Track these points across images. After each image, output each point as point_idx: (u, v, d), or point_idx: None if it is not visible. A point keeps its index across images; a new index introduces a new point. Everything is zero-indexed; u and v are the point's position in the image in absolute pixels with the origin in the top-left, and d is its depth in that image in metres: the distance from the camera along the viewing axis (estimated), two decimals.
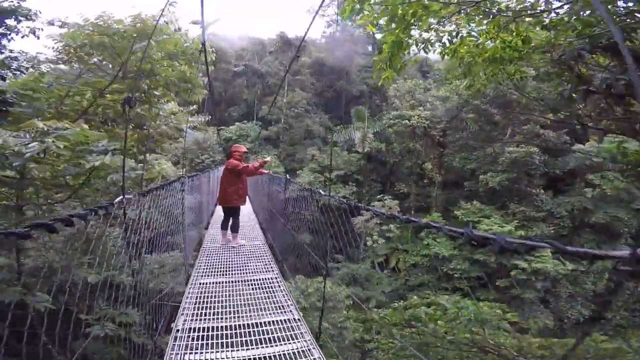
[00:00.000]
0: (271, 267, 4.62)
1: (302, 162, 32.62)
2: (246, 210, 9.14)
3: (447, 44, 4.33)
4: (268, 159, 6.51)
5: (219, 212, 6.62)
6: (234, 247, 5.76)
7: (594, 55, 7.41)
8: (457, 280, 16.91)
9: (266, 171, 6.84)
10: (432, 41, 4.08)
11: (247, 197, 6.58)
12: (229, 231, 5.93)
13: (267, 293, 3.72)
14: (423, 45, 4.03)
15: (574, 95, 7.77)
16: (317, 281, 10.25)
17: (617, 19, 5.82)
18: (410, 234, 23.05)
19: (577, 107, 7.37)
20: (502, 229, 17.73)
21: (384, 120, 25.32)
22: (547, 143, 20.28)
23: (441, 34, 4.15)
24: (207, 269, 4.64)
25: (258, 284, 3.96)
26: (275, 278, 4.19)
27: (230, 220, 5.88)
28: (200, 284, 4.13)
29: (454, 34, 4.25)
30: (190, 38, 6.11)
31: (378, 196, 23.80)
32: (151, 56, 5.67)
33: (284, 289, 3.84)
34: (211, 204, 9.24)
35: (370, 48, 37.18)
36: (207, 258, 5.13)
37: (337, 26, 36.36)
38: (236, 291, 3.77)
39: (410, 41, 3.80)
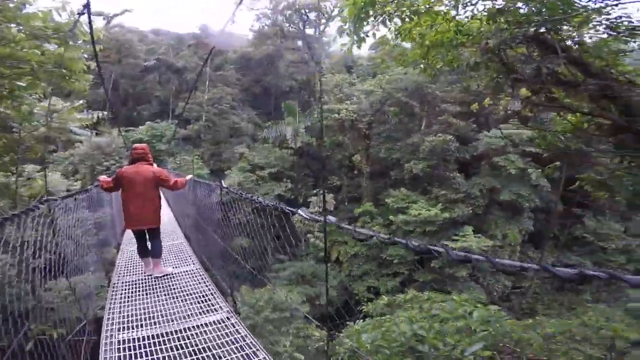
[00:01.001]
0: (217, 303, 3.55)
1: (230, 162, 30.81)
2: (169, 225, 7.69)
3: (406, 20, 3.86)
4: (189, 177, 5.52)
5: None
6: (157, 277, 4.49)
7: (520, 45, 7.73)
8: (397, 266, 17.51)
9: (189, 177, 5.67)
10: (392, 15, 3.56)
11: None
12: (149, 257, 4.61)
13: (224, 346, 2.72)
14: (382, 18, 3.48)
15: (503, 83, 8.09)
16: (267, 289, 9.26)
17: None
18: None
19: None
20: (429, 213, 18.85)
21: (315, 114, 25.01)
22: (459, 131, 22.31)
23: (402, 9, 3.66)
24: (125, 317, 3.39)
25: (207, 334, 2.90)
26: (228, 319, 3.16)
27: (149, 243, 4.56)
28: (119, 342, 2.94)
29: (412, 8, 3.79)
30: (69, 10, 4.52)
31: (313, 191, 23.47)
32: (8, 35, 4.02)
33: (246, 335, 2.85)
34: (118, 218, 7.51)
35: (299, 43, 36.41)
36: (123, 300, 3.82)
37: (267, 20, 34.70)
38: (175, 348, 2.70)
39: (372, 12, 3.20)
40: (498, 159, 20.45)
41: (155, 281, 4.35)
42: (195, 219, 6.61)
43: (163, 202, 5.04)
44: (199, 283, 4.23)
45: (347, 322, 5.54)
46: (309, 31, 33.90)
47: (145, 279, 4.43)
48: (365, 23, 3.28)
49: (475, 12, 4.62)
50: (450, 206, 19.86)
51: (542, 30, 7.09)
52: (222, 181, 5.59)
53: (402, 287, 16.49)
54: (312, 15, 32.67)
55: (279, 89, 33.50)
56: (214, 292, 3.85)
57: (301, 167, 30.08)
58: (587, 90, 6.90)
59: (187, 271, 4.74)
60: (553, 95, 7.57)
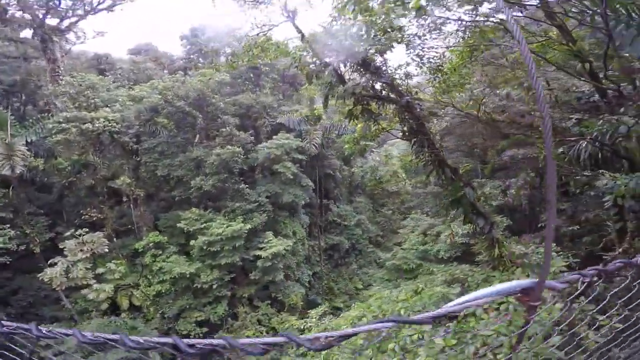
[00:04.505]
0: None
1: None
2: None
3: None
4: None
5: None
6: None
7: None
8: (217, 290, 15.75)
9: None
10: None
11: None
12: None
13: None
14: None
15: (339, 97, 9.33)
16: None
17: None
18: (127, 267, 18.43)
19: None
20: (233, 228, 18.38)
21: (50, 125, 17.71)
22: (240, 143, 23.12)
23: None
24: None
25: None
26: None
27: None
28: None
29: None
30: None
31: (70, 232, 16.70)
32: None
33: None
34: None
35: (24, 34, 23.72)
36: None
37: None
38: None
39: None
40: (277, 166, 22.92)
41: None
42: None
43: None
44: None
45: None
46: (52, 21, 23.36)
47: None
48: None
49: None
50: (247, 217, 20.23)
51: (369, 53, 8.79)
52: None
53: (232, 309, 15.12)
54: (66, 3, 22.55)
55: None
56: None
57: (22, 203, 20.58)
58: (396, 104, 9.26)
59: None
60: (369, 107, 9.59)
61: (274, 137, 23.66)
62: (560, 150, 9.00)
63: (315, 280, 21.16)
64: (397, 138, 10.87)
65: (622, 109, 4.16)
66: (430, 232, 22.01)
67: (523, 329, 1.16)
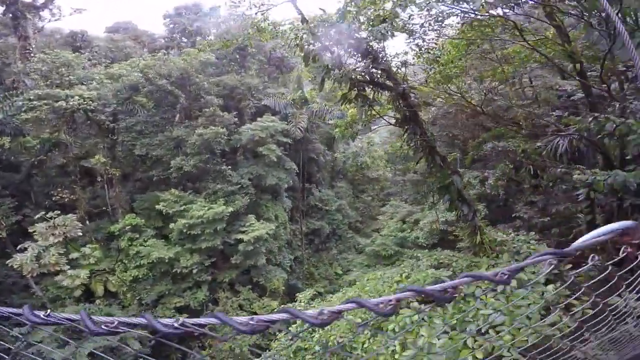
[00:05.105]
0: None
1: None
2: None
3: None
4: None
5: None
6: None
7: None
8: (197, 275, 15.59)
9: None
10: None
11: None
12: None
13: None
14: None
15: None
16: None
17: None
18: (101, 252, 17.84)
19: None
20: (214, 210, 18.15)
21: (20, 102, 16.52)
22: (223, 123, 22.53)
23: None
24: None
25: None
26: None
27: None
28: None
29: None
30: None
31: (40, 214, 15.85)
32: None
33: None
34: None
35: None
36: None
37: None
38: None
39: None
40: (261, 148, 22.58)
41: None
42: None
43: None
44: None
45: None
46: None
47: None
48: None
49: None
50: (229, 199, 19.98)
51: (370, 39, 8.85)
52: None
53: (212, 295, 15.06)
54: None
55: None
56: None
57: None
58: (391, 91, 9.37)
59: None
60: (364, 93, 9.66)
61: (259, 119, 23.20)
62: (538, 144, 9.44)
63: (297, 265, 21.40)
64: (388, 124, 11.01)
65: (609, 108, 4.44)
66: (408, 220, 22.60)
67: (626, 268, 1.18)
